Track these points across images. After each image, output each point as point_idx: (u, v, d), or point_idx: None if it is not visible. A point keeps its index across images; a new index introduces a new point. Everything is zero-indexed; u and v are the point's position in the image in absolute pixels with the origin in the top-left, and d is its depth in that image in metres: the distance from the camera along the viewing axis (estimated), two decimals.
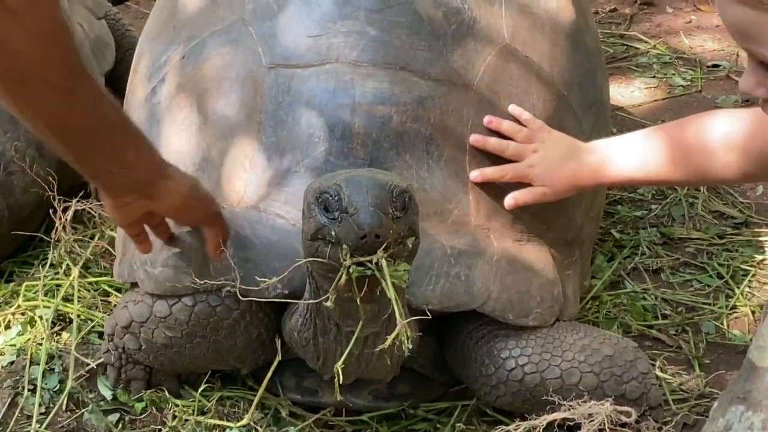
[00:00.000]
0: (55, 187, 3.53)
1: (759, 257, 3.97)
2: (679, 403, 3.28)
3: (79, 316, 3.49)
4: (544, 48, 3.35)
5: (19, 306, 3.58)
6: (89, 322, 3.51)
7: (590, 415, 2.82)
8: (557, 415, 2.86)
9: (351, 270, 2.51)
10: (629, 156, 3.16)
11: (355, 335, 2.69)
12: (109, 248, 3.70)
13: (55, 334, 3.47)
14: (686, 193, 4.28)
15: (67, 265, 3.63)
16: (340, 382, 2.64)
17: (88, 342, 3.45)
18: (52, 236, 3.55)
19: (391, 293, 2.50)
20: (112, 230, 3.74)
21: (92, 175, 2.74)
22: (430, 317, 2.76)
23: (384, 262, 2.50)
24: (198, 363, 3.16)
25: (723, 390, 3.26)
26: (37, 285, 3.60)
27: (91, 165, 2.66)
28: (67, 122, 2.48)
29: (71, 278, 3.56)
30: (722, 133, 2.99)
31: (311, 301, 2.77)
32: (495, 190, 3.13)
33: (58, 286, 3.60)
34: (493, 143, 3.13)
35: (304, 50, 3.14)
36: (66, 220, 3.48)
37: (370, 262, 2.50)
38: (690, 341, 3.56)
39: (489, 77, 3.19)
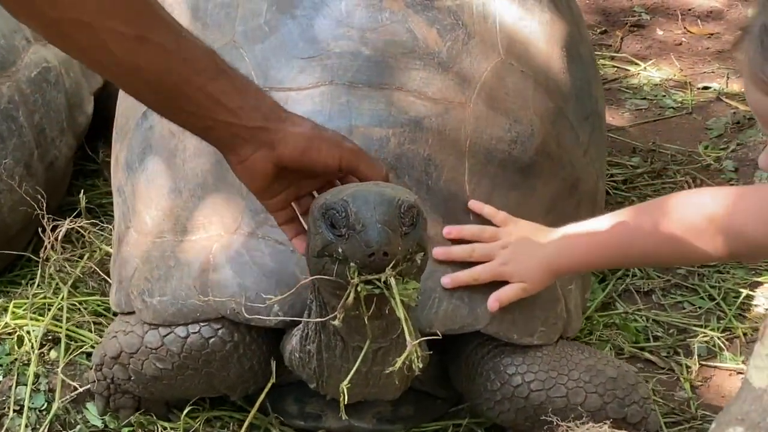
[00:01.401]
0: (44, 205, 3.50)
1: (750, 279, 3.96)
2: (671, 426, 3.28)
3: (69, 337, 3.46)
4: (539, 61, 3.34)
5: (6, 324, 3.55)
6: (77, 342, 3.48)
7: None
8: None
9: (359, 288, 2.44)
10: (604, 237, 2.99)
11: (363, 352, 2.63)
12: (97, 269, 3.67)
13: (42, 354, 3.44)
14: None
15: (57, 284, 3.61)
16: (346, 402, 2.56)
17: (75, 363, 3.42)
18: (41, 255, 3.52)
19: (400, 312, 2.44)
20: (104, 247, 3.71)
21: (199, 131, 2.46)
22: (441, 337, 2.72)
23: (393, 281, 2.43)
24: (188, 393, 3.13)
25: (715, 412, 3.25)
26: (25, 303, 3.57)
27: (191, 119, 2.42)
28: (146, 73, 2.28)
29: (60, 297, 3.53)
30: (707, 212, 2.80)
31: (318, 320, 2.72)
32: (498, 208, 3.09)
33: (49, 306, 3.56)
34: (457, 252, 3.00)
35: (297, 72, 3.12)
36: (57, 239, 3.45)
37: (379, 280, 2.44)
38: (682, 363, 3.55)
39: (486, 94, 3.17)
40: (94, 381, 3.19)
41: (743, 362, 3.55)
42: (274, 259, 2.96)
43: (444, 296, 2.95)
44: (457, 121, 3.11)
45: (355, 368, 2.61)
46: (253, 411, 3.10)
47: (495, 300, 2.96)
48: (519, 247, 3.00)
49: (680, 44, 5.91)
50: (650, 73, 5.57)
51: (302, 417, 3.17)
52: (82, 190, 3.87)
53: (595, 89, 3.64)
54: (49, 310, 3.53)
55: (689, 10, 6.26)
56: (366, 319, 2.53)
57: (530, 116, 3.23)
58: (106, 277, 3.66)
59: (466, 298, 2.96)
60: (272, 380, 3.03)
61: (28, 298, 3.57)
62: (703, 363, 3.57)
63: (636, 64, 5.65)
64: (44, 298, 3.60)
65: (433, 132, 3.07)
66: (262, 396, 3.05)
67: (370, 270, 2.43)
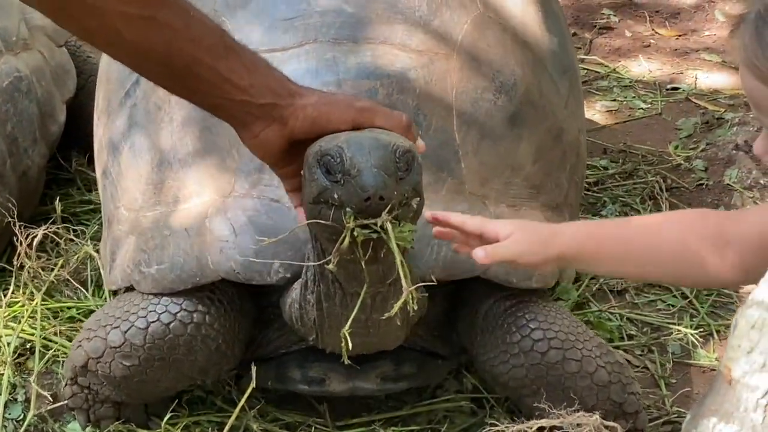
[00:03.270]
0: (15, 214, 3.49)
1: None
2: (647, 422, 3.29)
3: (45, 346, 3.45)
4: (516, 15, 3.37)
5: None
6: (54, 350, 3.46)
7: (579, 425, 2.82)
8: (546, 422, 2.85)
9: (355, 233, 2.43)
10: (609, 225, 2.95)
11: (361, 297, 2.61)
12: (70, 279, 3.65)
13: (20, 363, 3.42)
14: (649, 214, 4.30)
15: (31, 291, 3.59)
16: (349, 349, 2.52)
17: (52, 372, 3.41)
18: (14, 262, 3.51)
19: (397, 256, 2.42)
20: (83, 249, 3.70)
21: (210, 108, 2.45)
22: (436, 283, 2.69)
23: (389, 225, 2.41)
24: (162, 386, 3.13)
25: (689, 409, 3.27)
26: None
27: (202, 97, 2.41)
28: (155, 53, 2.27)
29: (34, 303, 3.52)
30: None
31: (314, 263, 2.71)
32: (487, 157, 3.13)
33: (20, 315, 3.55)
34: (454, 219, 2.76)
35: (281, 33, 3.13)
36: (32, 246, 3.44)
37: (375, 224, 2.42)
38: (656, 361, 3.58)
39: (468, 45, 3.20)
40: (71, 395, 3.18)
41: (717, 359, 3.57)
42: (271, 217, 2.98)
43: (442, 243, 2.94)
44: (442, 71, 3.14)
45: (354, 313, 2.59)
46: (236, 412, 3.07)
47: (483, 252, 2.62)
48: (521, 223, 2.80)
49: (649, 46, 5.96)
50: (620, 74, 5.60)
51: (306, 382, 3.17)
52: (58, 198, 3.86)
53: (569, 45, 3.69)
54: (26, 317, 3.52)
55: (657, 11, 6.31)
56: (363, 264, 2.51)
57: (512, 67, 3.26)
58: (79, 287, 3.66)
59: None
60: (252, 384, 3.02)
61: (1, 307, 3.55)
62: (677, 361, 3.60)
63: (605, 66, 5.69)
64: (16, 306, 3.59)
65: (420, 82, 3.10)
66: (243, 399, 3.03)
67: (366, 215, 2.42)
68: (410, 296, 2.43)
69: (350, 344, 2.50)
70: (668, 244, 2.56)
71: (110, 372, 3.05)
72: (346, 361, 2.59)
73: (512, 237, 2.56)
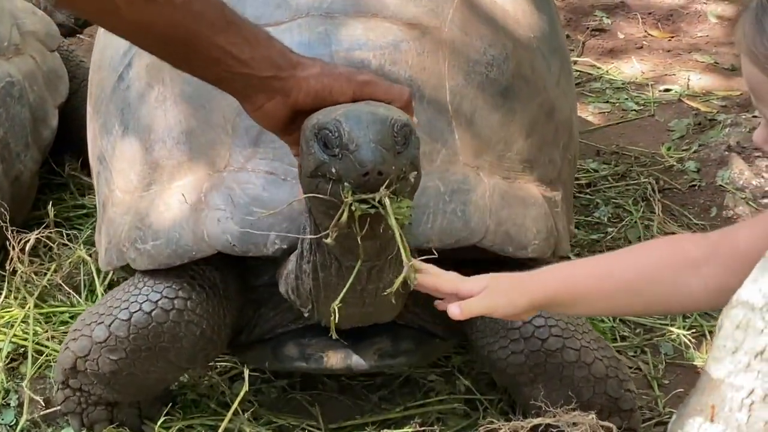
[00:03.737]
0: (8, 219, 3.49)
1: None
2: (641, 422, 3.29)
3: (37, 351, 3.45)
4: None
5: None
6: (46, 355, 3.46)
7: (574, 424, 2.82)
8: (542, 420, 2.86)
9: (353, 208, 2.41)
10: (585, 263, 2.87)
11: (355, 271, 2.59)
12: (63, 284, 3.66)
13: (13, 369, 3.43)
14: (642, 216, 4.32)
15: (23, 296, 3.59)
16: (337, 322, 2.51)
17: (46, 377, 3.41)
18: (7, 267, 3.51)
19: (396, 231, 2.40)
20: (77, 253, 3.70)
21: (213, 81, 2.46)
22: (437, 256, 2.63)
23: (387, 200, 2.39)
24: (152, 378, 3.12)
25: None
26: None
27: (204, 71, 2.42)
28: (156, 29, 2.28)
29: (27, 308, 3.52)
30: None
31: (311, 237, 2.70)
32: (480, 129, 3.13)
33: (16, 319, 3.55)
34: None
35: (273, 9, 3.14)
36: (24, 251, 3.44)
37: (373, 199, 2.40)
38: (649, 362, 3.58)
39: (459, 19, 3.21)
40: (64, 399, 3.18)
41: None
42: (267, 189, 2.97)
43: (438, 211, 2.96)
44: (434, 44, 3.15)
45: (348, 285, 2.57)
46: (229, 415, 3.09)
47: (458, 309, 2.57)
48: (495, 276, 2.69)
49: (641, 47, 5.97)
50: (612, 76, 5.61)
51: (303, 359, 3.16)
52: (50, 203, 3.86)
53: (559, 29, 3.70)
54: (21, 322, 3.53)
55: (649, 13, 6.32)
56: (359, 239, 2.49)
57: (503, 41, 3.27)
58: (72, 292, 3.66)
59: (460, 212, 2.98)
60: (245, 388, 3.02)
61: None
62: (670, 362, 3.61)
63: (598, 68, 5.70)
64: (9, 311, 3.59)
65: (412, 54, 3.11)
66: (236, 402, 3.04)
67: (364, 190, 2.40)
68: (411, 271, 2.42)
69: (338, 318, 2.48)
70: (644, 273, 2.53)
71: (99, 369, 3.04)
72: (334, 336, 2.59)
73: (486, 290, 2.52)
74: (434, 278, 2.57)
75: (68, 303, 3.64)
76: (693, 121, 5.06)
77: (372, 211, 2.41)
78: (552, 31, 3.56)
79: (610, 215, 4.35)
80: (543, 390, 3.00)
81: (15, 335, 3.49)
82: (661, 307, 2.80)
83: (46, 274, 3.69)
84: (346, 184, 2.40)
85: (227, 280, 3.10)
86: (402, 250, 2.41)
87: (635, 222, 4.28)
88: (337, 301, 2.50)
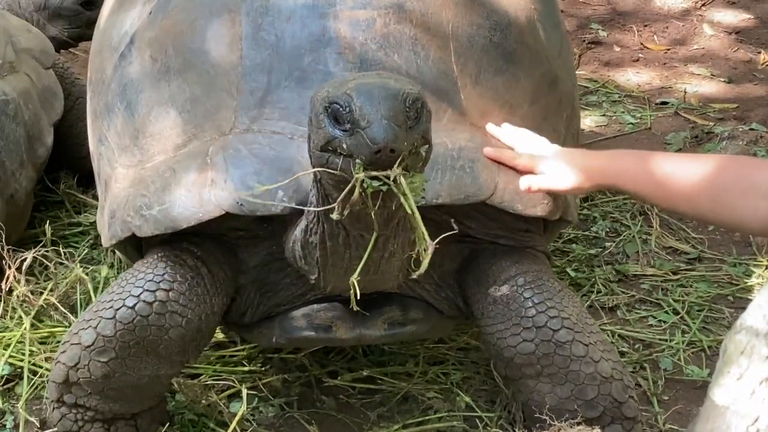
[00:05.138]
0: (3, 238, 3.48)
1: (713, 292, 4.00)
2: None
3: (33, 372, 3.42)
4: None
5: None
6: (39, 375, 3.44)
7: None
8: None
9: (365, 184, 2.39)
10: (650, 159, 2.93)
11: (370, 246, 2.57)
12: (58, 305, 3.64)
13: (6, 389, 3.41)
14: (639, 230, 4.31)
15: (20, 316, 3.58)
16: (358, 297, 2.53)
17: (40, 397, 3.39)
18: (3, 286, 3.49)
19: (412, 207, 2.38)
20: (73, 271, 3.69)
21: None
22: (457, 230, 2.63)
23: (402, 178, 2.38)
24: (145, 377, 3.07)
25: (682, 426, 3.27)
26: None
27: None
28: None
29: (23, 328, 3.50)
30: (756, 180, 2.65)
31: (319, 209, 2.67)
32: (485, 91, 3.14)
33: (9, 342, 3.53)
34: (505, 156, 3.04)
35: None
36: (21, 270, 3.43)
37: (386, 177, 2.38)
38: (648, 378, 3.57)
39: None
40: (60, 418, 3.15)
41: (709, 375, 3.56)
42: (273, 148, 2.96)
43: (447, 167, 2.95)
44: (438, 5, 3.16)
45: (364, 260, 2.56)
46: (233, 425, 3.08)
47: (528, 182, 3.00)
48: (568, 153, 3.07)
49: (638, 60, 5.97)
50: (609, 89, 5.61)
51: (312, 329, 3.14)
52: (47, 221, 3.84)
53: (558, 10, 3.73)
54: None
55: (645, 25, 6.32)
56: (372, 214, 2.47)
57: (505, 9, 3.28)
58: (68, 313, 3.64)
59: (469, 168, 2.97)
60: (243, 408, 3.01)
61: None
62: (669, 377, 3.59)
63: (594, 81, 5.69)
64: (8, 330, 3.57)
65: (417, 14, 3.12)
66: (235, 422, 3.03)
67: (376, 167, 2.39)
68: (424, 246, 2.40)
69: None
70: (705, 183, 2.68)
71: (91, 375, 3.02)
72: (355, 308, 2.60)
73: (557, 172, 2.94)
74: (512, 158, 3.01)
75: (65, 323, 3.62)
76: (690, 134, 5.06)
77: (384, 188, 2.40)
78: (552, 8, 3.60)
79: (607, 229, 4.34)
80: (547, 385, 2.98)
81: (11, 356, 3.47)
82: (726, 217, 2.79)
83: (42, 293, 3.67)
84: (357, 160, 2.39)
85: (214, 268, 3.08)
86: (420, 228, 2.40)
87: (633, 236, 4.27)
88: (356, 275, 2.50)
